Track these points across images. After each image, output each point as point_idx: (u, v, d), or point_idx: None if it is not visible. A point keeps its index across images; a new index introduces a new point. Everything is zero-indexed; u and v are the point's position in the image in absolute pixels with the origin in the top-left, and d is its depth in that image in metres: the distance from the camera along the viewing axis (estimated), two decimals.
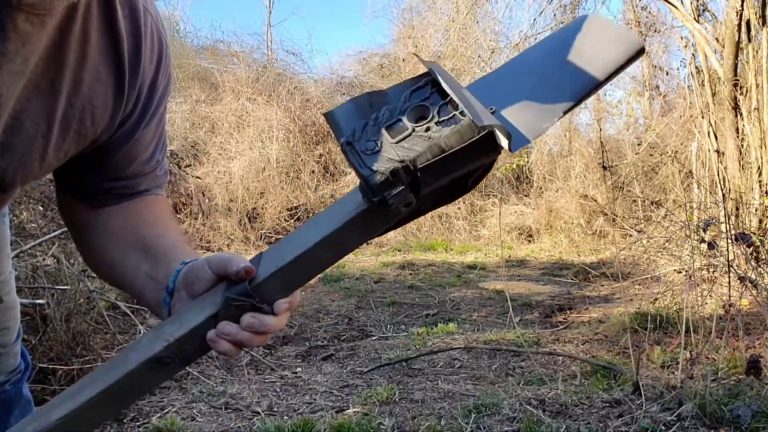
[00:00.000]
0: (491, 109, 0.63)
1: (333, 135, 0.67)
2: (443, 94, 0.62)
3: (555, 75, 0.66)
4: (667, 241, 4.63)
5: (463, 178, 0.64)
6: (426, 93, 0.63)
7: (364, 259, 6.70)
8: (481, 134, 0.59)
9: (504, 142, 0.57)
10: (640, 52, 0.64)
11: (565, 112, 0.63)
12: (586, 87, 0.64)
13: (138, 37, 0.75)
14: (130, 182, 0.85)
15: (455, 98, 0.59)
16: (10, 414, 1.01)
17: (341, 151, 0.63)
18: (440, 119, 0.60)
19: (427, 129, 0.60)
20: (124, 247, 0.84)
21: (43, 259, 3.05)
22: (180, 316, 0.71)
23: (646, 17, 9.00)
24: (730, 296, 2.69)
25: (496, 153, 0.61)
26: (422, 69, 0.66)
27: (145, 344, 0.70)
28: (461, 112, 0.60)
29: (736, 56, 4.52)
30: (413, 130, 0.60)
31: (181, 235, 0.89)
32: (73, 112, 0.73)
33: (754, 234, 3.74)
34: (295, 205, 8.62)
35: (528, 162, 8.72)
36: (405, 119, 0.62)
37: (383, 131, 0.61)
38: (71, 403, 0.68)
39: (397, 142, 0.60)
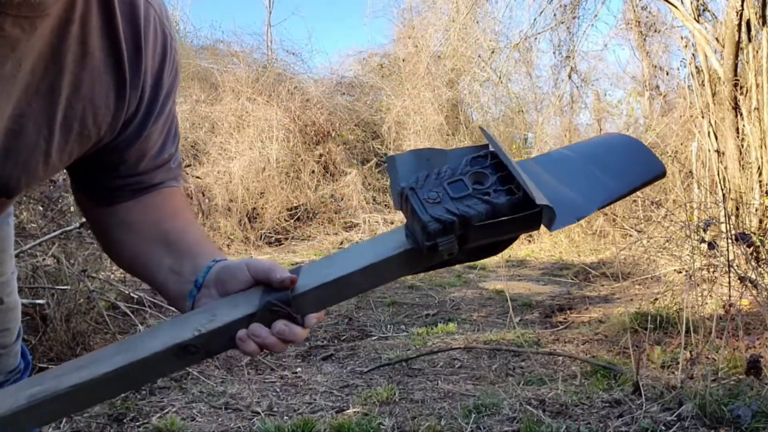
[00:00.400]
0: None
1: (389, 177, 0.75)
2: (498, 166, 0.71)
3: (590, 177, 0.78)
4: (667, 241, 4.62)
5: (498, 242, 0.72)
6: (485, 163, 0.72)
7: None
8: (531, 210, 0.66)
9: (547, 220, 0.66)
10: (662, 175, 0.80)
11: (599, 208, 0.75)
12: (614, 195, 0.76)
13: (138, 33, 0.74)
14: (143, 177, 0.85)
15: (518, 177, 0.67)
16: None
17: (399, 194, 0.71)
18: (497, 188, 0.69)
19: (485, 194, 0.68)
20: (144, 240, 0.85)
21: (43, 259, 3.06)
22: (212, 309, 0.73)
23: (646, 17, 9.01)
24: (730, 296, 2.68)
25: (536, 228, 0.69)
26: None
27: (172, 330, 0.71)
28: (517, 186, 0.68)
29: (736, 56, 4.52)
30: (473, 191, 0.68)
31: (201, 230, 0.91)
32: (74, 113, 0.72)
33: (754, 234, 3.74)
34: (295, 205, 8.62)
35: None
36: (466, 180, 0.70)
37: (445, 186, 0.69)
38: (85, 372, 0.68)
39: (457, 198, 0.68)
